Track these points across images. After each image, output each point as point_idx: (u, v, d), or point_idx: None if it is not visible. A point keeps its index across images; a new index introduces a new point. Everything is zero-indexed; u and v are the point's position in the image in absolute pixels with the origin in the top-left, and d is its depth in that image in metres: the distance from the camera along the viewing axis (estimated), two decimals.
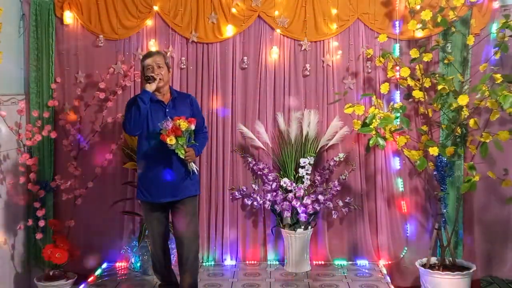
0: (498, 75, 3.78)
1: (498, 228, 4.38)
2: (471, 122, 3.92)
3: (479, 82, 3.80)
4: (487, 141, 3.80)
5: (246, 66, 4.56)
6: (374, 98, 4.30)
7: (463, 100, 3.85)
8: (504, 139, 3.77)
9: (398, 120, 4.00)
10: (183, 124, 3.42)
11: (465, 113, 4.01)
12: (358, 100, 4.43)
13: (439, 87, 4.07)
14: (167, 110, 3.62)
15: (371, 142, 3.76)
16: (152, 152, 3.57)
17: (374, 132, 3.78)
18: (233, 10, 4.50)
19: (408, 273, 4.48)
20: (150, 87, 3.54)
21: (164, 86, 3.67)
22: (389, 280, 4.22)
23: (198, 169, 3.70)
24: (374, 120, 3.79)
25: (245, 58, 4.54)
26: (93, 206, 4.55)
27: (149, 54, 3.70)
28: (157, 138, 3.48)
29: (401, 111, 3.94)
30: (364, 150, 4.51)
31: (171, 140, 3.40)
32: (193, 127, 3.50)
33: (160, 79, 3.58)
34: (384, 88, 4.27)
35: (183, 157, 3.50)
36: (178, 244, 3.66)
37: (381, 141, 3.74)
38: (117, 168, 4.55)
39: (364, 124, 3.81)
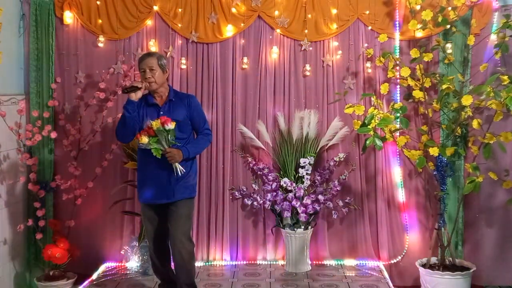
0: (505, 77, 3.76)
1: (502, 229, 4.35)
2: (475, 123, 3.89)
3: (486, 82, 3.77)
4: (491, 142, 3.78)
5: (246, 66, 4.55)
6: (374, 98, 4.30)
7: (467, 100, 3.82)
8: (508, 140, 3.75)
9: (398, 120, 3.99)
10: (155, 123, 3.42)
11: (468, 113, 3.99)
12: (358, 101, 4.43)
13: (444, 87, 4.05)
14: (161, 112, 3.60)
15: (368, 142, 3.74)
16: (146, 155, 3.56)
17: (372, 133, 3.78)
18: (233, 10, 4.50)
19: (408, 273, 4.48)
20: (135, 96, 3.56)
21: (160, 88, 3.65)
22: (389, 280, 4.22)
23: (183, 170, 3.58)
24: (372, 121, 3.77)
25: (245, 58, 4.54)
26: (93, 206, 4.56)
27: (142, 57, 3.67)
28: None
29: (401, 111, 3.93)
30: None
31: (142, 140, 3.43)
32: (170, 127, 3.44)
33: (153, 82, 3.59)
34: (384, 88, 4.27)
35: (159, 157, 3.46)
36: (172, 245, 3.65)
37: (378, 142, 3.72)
38: (117, 168, 4.56)
39: (363, 124, 3.80)
